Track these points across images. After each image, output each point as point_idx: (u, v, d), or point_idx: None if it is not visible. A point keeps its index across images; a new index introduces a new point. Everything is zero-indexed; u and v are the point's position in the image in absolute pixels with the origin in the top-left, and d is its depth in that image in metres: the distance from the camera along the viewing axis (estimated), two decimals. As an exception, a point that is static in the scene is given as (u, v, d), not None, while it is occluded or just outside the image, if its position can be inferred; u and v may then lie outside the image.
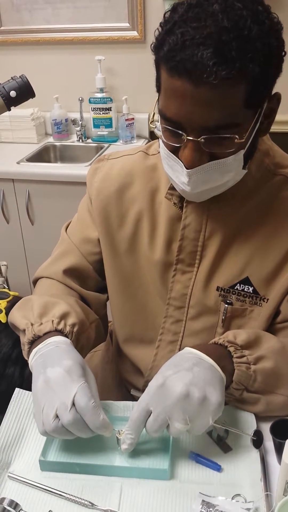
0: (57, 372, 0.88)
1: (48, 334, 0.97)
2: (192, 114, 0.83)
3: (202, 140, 0.85)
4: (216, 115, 0.83)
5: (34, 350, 0.95)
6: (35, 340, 0.98)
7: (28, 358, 0.98)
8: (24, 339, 0.99)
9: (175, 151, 0.90)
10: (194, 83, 0.80)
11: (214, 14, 0.79)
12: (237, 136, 0.85)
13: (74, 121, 2.80)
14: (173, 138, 0.89)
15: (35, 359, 0.94)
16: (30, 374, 0.93)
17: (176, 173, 0.93)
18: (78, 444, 0.91)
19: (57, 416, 0.84)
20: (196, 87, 0.80)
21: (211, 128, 0.84)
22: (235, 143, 0.86)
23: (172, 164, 0.93)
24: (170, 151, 0.91)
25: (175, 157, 0.90)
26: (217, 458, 0.89)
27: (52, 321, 0.98)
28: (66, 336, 0.98)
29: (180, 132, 0.86)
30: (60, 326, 0.98)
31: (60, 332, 0.98)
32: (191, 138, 0.86)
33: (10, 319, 1.08)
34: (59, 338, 0.95)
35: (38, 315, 1.00)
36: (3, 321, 1.23)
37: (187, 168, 0.89)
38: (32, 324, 0.99)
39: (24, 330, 1.00)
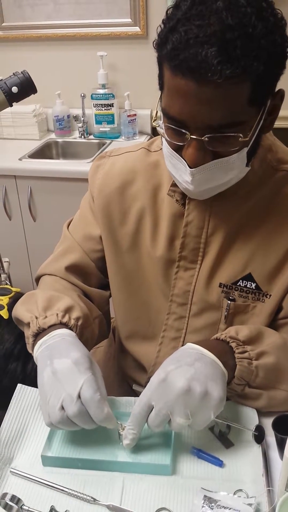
0: (65, 363, 0.88)
1: (52, 327, 0.97)
2: (196, 113, 0.83)
3: (206, 139, 0.85)
4: (220, 113, 0.82)
5: (39, 342, 0.95)
6: (40, 333, 0.98)
7: (32, 351, 0.99)
8: (29, 332, 0.99)
9: (178, 149, 0.90)
10: (198, 82, 0.79)
11: (218, 11, 0.78)
12: (241, 135, 0.85)
13: (76, 117, 2.79)
14: (176, 136, 0.88)
15: (40, 350, 0.94)
16: (32, 369, 0.93)
17: (179, 171, 0.92)
18: (80, 440, 0.92)
19: (63, 408, 0.85)
20: (200, 86, 0.80)
21: (215, 127, 0.84)
22: (239, 141, 0.86)
23: (175, 163, 0.92)
24: (173, 149, 0.91)
25: (178, 155, 0.90)
26: (219, 454, 0.89)
27: (57, 314, 0.99)
28: (70, 329, 0.98)
29: (184, 131, 0.86)
30: (65, 319, 0.99)
31: (64, 325, 0.98)
32: (194, 137, 0.85)
33: (14, 314, 1.08)
34: (64, 331, 0.96)
35: (42, 309, 1.01)
36: (5, 317, 1.23)
37: (190, 167, 0.88)
38: (36, 317, 0.99)
39: (28, 324, 1.00)
